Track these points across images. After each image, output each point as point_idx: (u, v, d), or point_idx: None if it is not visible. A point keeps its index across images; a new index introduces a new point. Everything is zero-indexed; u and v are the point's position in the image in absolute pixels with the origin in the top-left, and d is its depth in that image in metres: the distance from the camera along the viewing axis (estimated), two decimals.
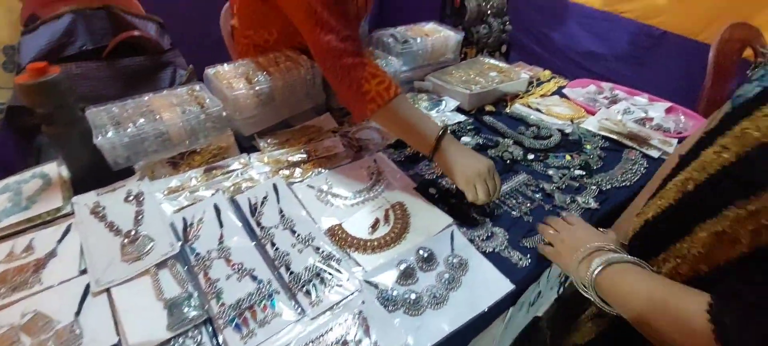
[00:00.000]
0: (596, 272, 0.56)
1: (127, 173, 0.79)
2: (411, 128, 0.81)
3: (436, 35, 1.22)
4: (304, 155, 0.88)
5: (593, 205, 0.81)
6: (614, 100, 1.18)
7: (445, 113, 1.09)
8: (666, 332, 0.48)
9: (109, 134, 0.74)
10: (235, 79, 0.90)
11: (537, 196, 0.82)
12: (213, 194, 0.77)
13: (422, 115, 0.84)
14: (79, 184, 0.77)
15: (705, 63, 1.48)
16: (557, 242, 0.67)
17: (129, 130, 0.76)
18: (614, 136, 1.02)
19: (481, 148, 0.96)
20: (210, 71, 0.93)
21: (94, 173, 0.76)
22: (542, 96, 1.22)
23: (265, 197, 0.77)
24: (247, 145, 0.94)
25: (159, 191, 0.77)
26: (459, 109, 1.11)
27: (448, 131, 0.79)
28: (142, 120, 0.78)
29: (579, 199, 0.82)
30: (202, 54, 1.70)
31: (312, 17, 0.77)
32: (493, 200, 0.76)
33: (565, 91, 1.23)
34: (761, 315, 0.41)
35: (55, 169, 0.81)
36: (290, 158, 0.88)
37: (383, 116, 0.80)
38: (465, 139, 0.99)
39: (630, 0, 1.75)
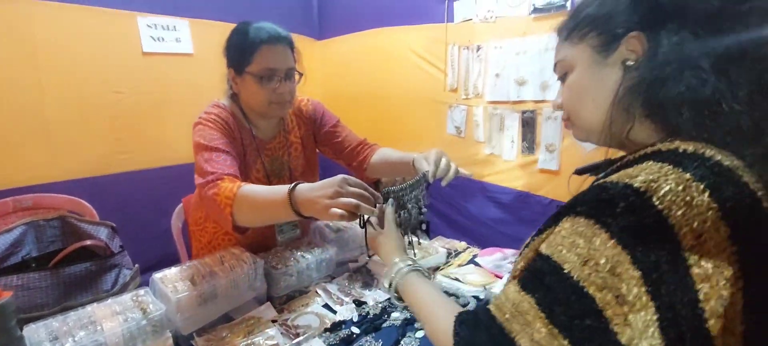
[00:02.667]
0: (396, 280, 0.76)
1: None
2: (265, 203, 0.90)
3: None
4: None
5: None
6: None
7: (378, 290, 1.22)
8: (432, 338, 0.64)
9: None
10: (180, 282, 0.99)
11: None
12: None
13: (273, 187, 0.91)
14: None
15: None
16: (376, 242, 0.89)
17: (66, 345, 0.78)
18: None
19: (408, 323, 1.08)
20: (157, 276, 1.01)
21: None
22: (459, 265, 1.43)
23: None
24: None
25: None
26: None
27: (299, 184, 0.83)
28: (81, 333, 0.81)
29: None
30: (151, 248, 1.77)
31: (197, 165, 1.04)
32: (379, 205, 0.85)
33: (477, 259, 1.46)
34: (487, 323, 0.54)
35: None
36: None
37: (240, 213, 0.93)
38: (395, 314, 1.11)
39: (518, 179, 2.23)
